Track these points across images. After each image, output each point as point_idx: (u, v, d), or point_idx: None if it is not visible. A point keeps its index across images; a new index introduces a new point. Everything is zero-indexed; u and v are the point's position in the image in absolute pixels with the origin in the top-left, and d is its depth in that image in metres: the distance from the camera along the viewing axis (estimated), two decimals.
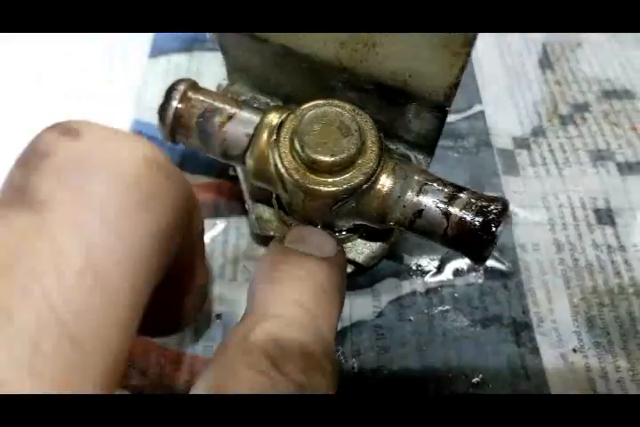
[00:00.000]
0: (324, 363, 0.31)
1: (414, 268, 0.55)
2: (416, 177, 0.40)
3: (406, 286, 0.54)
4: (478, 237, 0.39)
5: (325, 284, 0.36)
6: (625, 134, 0.65)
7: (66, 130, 0.22)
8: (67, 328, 0.19)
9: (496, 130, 0.65)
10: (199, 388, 0.29)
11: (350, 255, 0.49)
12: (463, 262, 0.55)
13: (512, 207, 0.59)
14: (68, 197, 0.20)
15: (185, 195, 0.25)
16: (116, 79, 0.71)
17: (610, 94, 0.68)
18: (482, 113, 0.66)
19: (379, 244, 0.50)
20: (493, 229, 0.38)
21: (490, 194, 0.41)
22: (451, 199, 0.39)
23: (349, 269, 0.49)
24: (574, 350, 0.51)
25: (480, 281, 0.55)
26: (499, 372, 0.50)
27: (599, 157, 0.63)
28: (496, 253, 0.56)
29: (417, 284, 0.54)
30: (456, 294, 0.54)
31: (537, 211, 0.59)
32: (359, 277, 0.54)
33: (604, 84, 0.69)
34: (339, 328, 0.51)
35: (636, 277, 0.55)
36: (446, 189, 0.40)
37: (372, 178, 0.39)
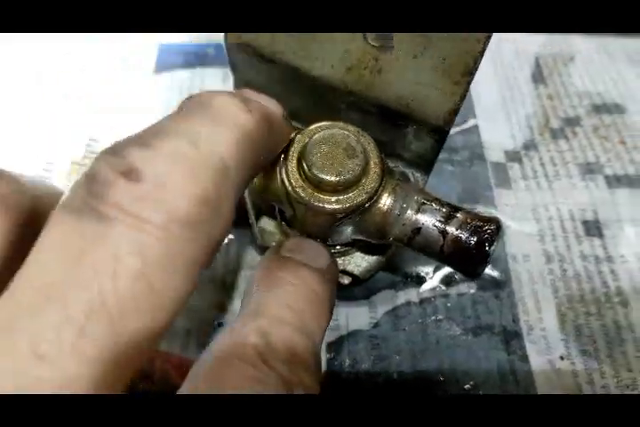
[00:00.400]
0: (309, 360, 0.33)
1: (409, 279, 0.57)
2: (415, 196, 0.41)
3: (401, 297, 0.56)
4: (472, 255, 0.40)
5: (317, 292, 0.37)
6: (614, 148, 0.66)
7: (127, 170, 0.24)
8: (113, 321, 0.22)
9: (489, 143, 0.66)
10: (197, 377, 0.31)
11: (349, 268, 0.50)
12: (456, 273, 0.57)
13: (504, 219, 0.60)
14: (129, 220, 0.23)
15: (227, 223, 0.28)
16: (115, 79, 0.72)
17: (600, 108, 0.70)
18: (476, 127, 0.68)
19: (376, 257, 0.51)
20: (487, 248, 0.40)
21: (485, 214, 0.42)
22: (447, 218, 0.41)
23: (347, 280, 0.51)
24: (562, 358, 0.53)
25: (472, 291, 0.56)
26: (489, 378, 0.52)
27: (588, 170, 0.64)
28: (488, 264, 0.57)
29: (411, 294, 0.56)
30: (449, 304, 0.55)
31: (527, 223, 0.61)
32: (356, 290, 0.55)
33: (595, 98, 0.71)
34: (335, 338, 0.53)
35: (622, 286, 0.57)
36: (444, 209, 0.41)
37: (374, 197, 0.40)
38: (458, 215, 0.41)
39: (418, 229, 0.41)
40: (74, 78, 0.71)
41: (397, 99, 0.42)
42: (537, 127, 0.68)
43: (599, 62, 0.74)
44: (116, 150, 0.26)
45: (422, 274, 0.57)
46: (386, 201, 0.41)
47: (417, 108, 0.42)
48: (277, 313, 0.34)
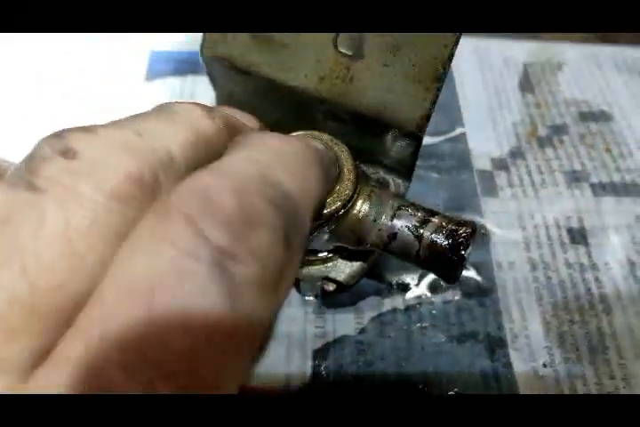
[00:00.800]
0: (273, 221, 0.25)
1: (395, 286, 0.55)
2: (391, 202, 0.41)
3: (387, 304, 0.54)
4: (448, 258, 0.39)
5: (300, 151, 0.30)
6: (600, 156, 0.65)
7: (65, 149, 0.24)
8: (28, 274, 0.22)
9: (476, 151, 0.65)
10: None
11: (332, 275, 0.49)
12: (441, 281, 0.55)
13: (490, 227, 0.59)
14: (58, 189, 0.23)
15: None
16: (115, 79, 0.70)
17: (587, 116, 0.68)
18: (463, 135, 0.66)
19: (359, 263, 0.49)
20: (462, 251, 0.39)
21: (461, 218, 0.41)
22: (423, 223, 0.40)
23: (332, 287, 0.50)
24: (545, 365, 0.51)
25: (457, 298, 0.55)
26: (473, 385, 0.50)
27: (574, 178, 0.63)
28: (473, 271, 0.56)
29: (397, 302, 0.54)
30: (434, 311, 0.54)
31: (513, 230, 0.59)
32: (343, 296, 0.54)
33: (582, 106, 0.69)
34: (321, 344, 0.52)
35: (606, 294, 0.55)
36: (419, 214, 0.40)
37: (349, 204, 0.40)
38: (433, 220, 0.40)
39: (394, 235, 0.40)
40: (74, 78, 0.70)
41: (370, 106, 0.41)
42: (524, 135, 0.66)
43: (587, 70, 0.73)
44: (59, 133, 0.26)
45: (408, 281, 0.55)
46: (361, 207, 0.41)
47: (389, 115, 0.41)
48: (229, 165, 0.27)
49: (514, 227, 0.59)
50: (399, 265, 0.55)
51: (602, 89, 0.71)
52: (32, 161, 0.24)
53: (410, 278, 0.55)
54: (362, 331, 0.52)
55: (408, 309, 0.54)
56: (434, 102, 0.39)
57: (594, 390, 0.50)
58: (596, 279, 0.56)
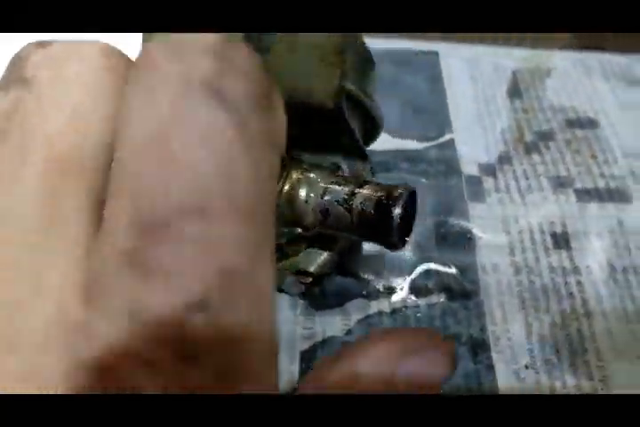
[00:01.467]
0: None
1: (381, 289, 0.55)
2: (319, 180, 0.41)
3: (374, 306, 0.54)
4: (378, 223, 0.39)
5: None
6: (585, 162, 0.65)
7: (40, 43, 0.27)
8: (51, 144, 0.22)
9: (465, 157, 0.65)
10: None
11: (301, 266, 0.49)
12: (429, 284, 0.55)
13: (475, 231, 0.59)
14: (47, 77, 0.24)
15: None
16: None
17: (573, 123, 0.68)
18: (452, 141, 0.66)
19: (326, 253, 0.49)
20: (392, 213, 0.39)
21: (392, 184, 0.41)
22: (352, 195, 0.40)
23: (308, 279, 0.49)
24: (526, 367, 0.52)
25: (442, 300, 0.55)
26: (455, 388, 0.50)
27: (559, 183, 0.63)
28: (458, 275, 0.56)
29: (383, 304, 0.54)
30: (419, 314, 0.54)
31: (498, 235, 0.59)
32: (330, 297, 0.54)
33: (569, 112, 0.69)
34: (309, 346, 0.52)
35: (587, 298, 0.55)
36: (347, 188, 0.41)
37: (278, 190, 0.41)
38: (362, 191, 0.40)
39: (326, 211, 0.41)
40: None
41: (287, 94, 0.41)
42: (511, 141, 0.66)
43: (575, 77, 0.72)
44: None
45: (394, 285, 0.55)
46: (290, 192, 0.41)
47: (306, 98, 0.41)
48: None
49: (499, 231, 0.59)
50: (388, 267, 0.56)
51: (589, 96, 0.70)
52: (17, 60, 0.27)
53: (395, 282, 0.56)
54: (349, 332, 0.53)
55: (394, 312, 0.54)
56: (342, 76, 0.39)
57: (573, 392, 0.50)
58: (578, 283, 0.56)
